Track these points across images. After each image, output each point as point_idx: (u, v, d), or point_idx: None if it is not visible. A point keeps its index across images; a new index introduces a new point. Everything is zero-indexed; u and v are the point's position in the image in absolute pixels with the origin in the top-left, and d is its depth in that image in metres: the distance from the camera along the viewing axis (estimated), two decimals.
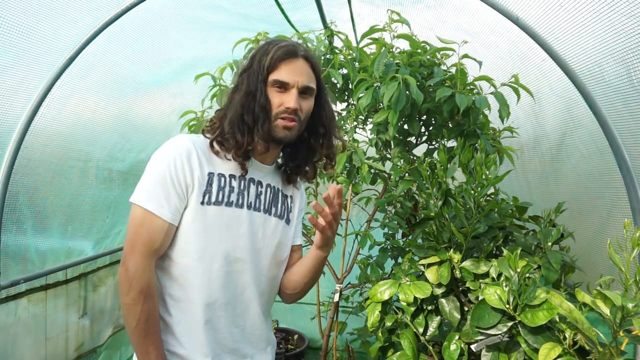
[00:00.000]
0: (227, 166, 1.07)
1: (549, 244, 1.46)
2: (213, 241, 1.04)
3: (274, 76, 1.02)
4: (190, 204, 1.01)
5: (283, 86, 1.02)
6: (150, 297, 1.00)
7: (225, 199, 1.05)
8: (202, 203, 1.02)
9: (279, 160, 1.21)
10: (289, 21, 2.25)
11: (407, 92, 1.61)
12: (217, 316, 1.06)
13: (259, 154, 1.11)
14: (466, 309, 1.43)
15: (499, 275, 1.27)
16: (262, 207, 1.12)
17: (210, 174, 1.04)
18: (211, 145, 1.05)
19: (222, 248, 1.04)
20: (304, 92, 1.05)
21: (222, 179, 1.06)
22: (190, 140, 1.04)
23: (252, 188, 1.11)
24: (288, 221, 1.20)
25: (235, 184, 1.07)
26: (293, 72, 1.03)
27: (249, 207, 1.09)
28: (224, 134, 1.04)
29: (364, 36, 1.84)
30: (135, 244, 0.99)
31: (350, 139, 1.82)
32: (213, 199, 1.03)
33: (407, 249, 1.67)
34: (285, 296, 1.24)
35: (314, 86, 1.07)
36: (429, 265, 1.44)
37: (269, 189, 1.15)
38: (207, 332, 1.05)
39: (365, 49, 1.93)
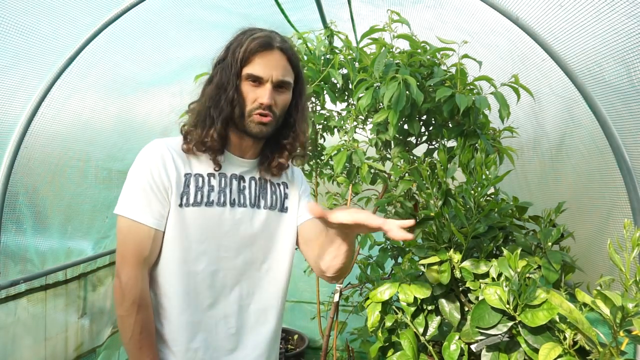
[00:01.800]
0: (205, 165, 1.05)
1: (549, 244, 1.46)
2: (195, 243, 1.02)
3: (247, 70, 0.98)
4: (171, 207, 1.00)
5: (257, 80, 0.99)
6: (144, 308, 0.99)
7: (205, 199, 1.03)
8: (181, 205, 1.00)
9: None
10: (289, 21, 2.25)
11: (407, 92, 1.61)
12: (208, 317, 1.04)
13: (237, 149, 1.08)
14: (466, 309, 1.43)
15: (499, 275, 1.27)
16: (247, 202, 1.09)
17: (187, 175, 1.02)
18: (184, 140, 1.04)
19: (203, 248, 1.02)
20: (279, 86, 1.01)
21: (200, 179, 1.03)
22: (164, 143, 1.03)
23: (234, 184, 1.08)
24: (284, 209, 1.16)
25: (215, 182, 1.05)
26: (267, 66, 0.98)
27: (232, 204, 1.06)
28: (189, 127, 1.03)
29: (364, 36, 1.84)
30: (125, 255, 0.98)
31: (350, 139, 1.82)
32: (191, 200, 1.01)
33: (407, 249, 1.67)
34: (328, 279, 1.13)
35: (290, 80, 1.03)
36: (429, 265, 1.44)
37: (253, 182, 1.11)
38: (198, 338, 1.03)
39: (365, 49, 1.93)
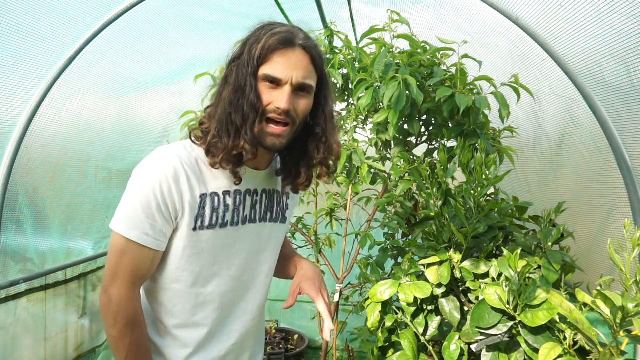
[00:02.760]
0: (220, 181, 0.95)
1: (549, 244, 1.45)
2: (207, 265, 0.96)
3: (264, 70, 0.87)
4: (182, 230, 0.92)
5: (275, 82, 0.87)
6: (138, 326, 0.94)
7: (220, 221, 0.95)
8: (195, 229, 0.92)
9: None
10: (289, 21, 2.25)
11: (407, 92, 1.61)
12: (209, 336, 1.01)
13: (251, 160, 0.97)
14: (466, 309, 1.43)
15: (499, 275, 1.27)
16: (257, 217, 1.03)
17: (203, 196, 0.92)
18: (207, 154, 0.92)
19: (215, 269, 0.98)
20: (300, 89, 0.89)
21: (216, 199, 0.94)
22: (177, 157, 0.90)
23: (248, 200, 1.00)
24: (284, 220, 1.12)
25: (230, 200, 0.96)
26: (287, 66, 0.87)
27: (243, 222, 1.00)
28: (213, 138, 0.90)
29: (364, 36, 1.84)
30: (118, 273, 0.90)
31: (350, 139, 1.82)
32: (206, 223, 0.93)
33: (407, 249, 1.67)
34: None
35: (312, 83, 0.91)
36: (429, 265, 1.43)
37: (264, 195, 1.04)
38: (200, 355, 1.01)
39: (365, 49, 1.93)
